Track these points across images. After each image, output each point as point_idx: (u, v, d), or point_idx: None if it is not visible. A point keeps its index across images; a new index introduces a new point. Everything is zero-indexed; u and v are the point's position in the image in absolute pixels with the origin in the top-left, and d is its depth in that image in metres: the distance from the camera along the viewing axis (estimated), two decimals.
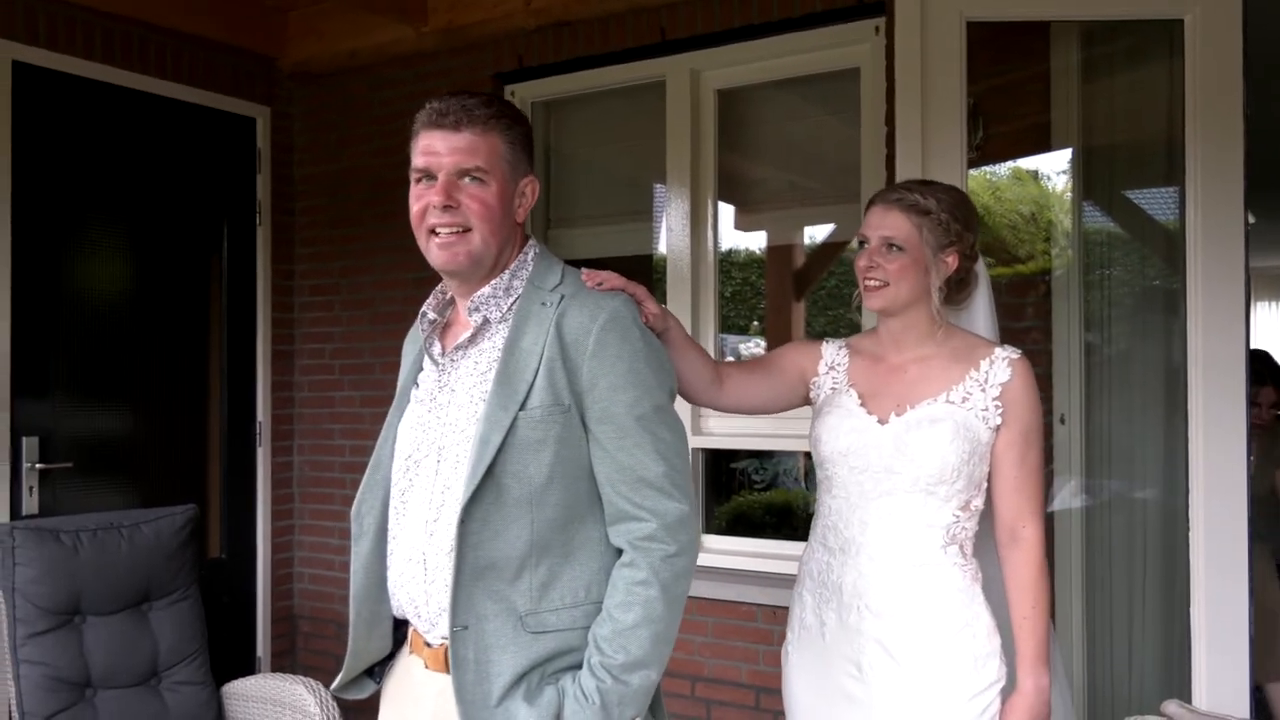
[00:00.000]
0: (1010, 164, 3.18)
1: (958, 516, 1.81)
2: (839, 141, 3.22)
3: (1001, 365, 1.81)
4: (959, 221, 1.85)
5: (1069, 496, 3.12)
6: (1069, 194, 3.16)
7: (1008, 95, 3.11)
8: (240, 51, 3.72)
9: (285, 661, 3.86)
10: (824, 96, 3.27)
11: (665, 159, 3.32)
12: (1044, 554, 1.82)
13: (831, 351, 1.99)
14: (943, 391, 1.82)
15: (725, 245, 3.27)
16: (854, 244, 1.94)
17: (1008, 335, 3.10)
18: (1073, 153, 3.13)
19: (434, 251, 1.52)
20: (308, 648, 3.89)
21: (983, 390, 1.80)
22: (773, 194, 3.52)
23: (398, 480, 1.59)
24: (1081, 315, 3.08)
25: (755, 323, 3.67)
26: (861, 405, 1.88)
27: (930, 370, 1.86)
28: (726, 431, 3.26)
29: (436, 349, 1.59)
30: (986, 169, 3.16)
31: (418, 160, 1.51)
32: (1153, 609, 2.95)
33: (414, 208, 1.53)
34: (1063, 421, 3.08)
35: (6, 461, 3.10)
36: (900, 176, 2.85)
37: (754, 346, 3.67)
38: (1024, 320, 3.11)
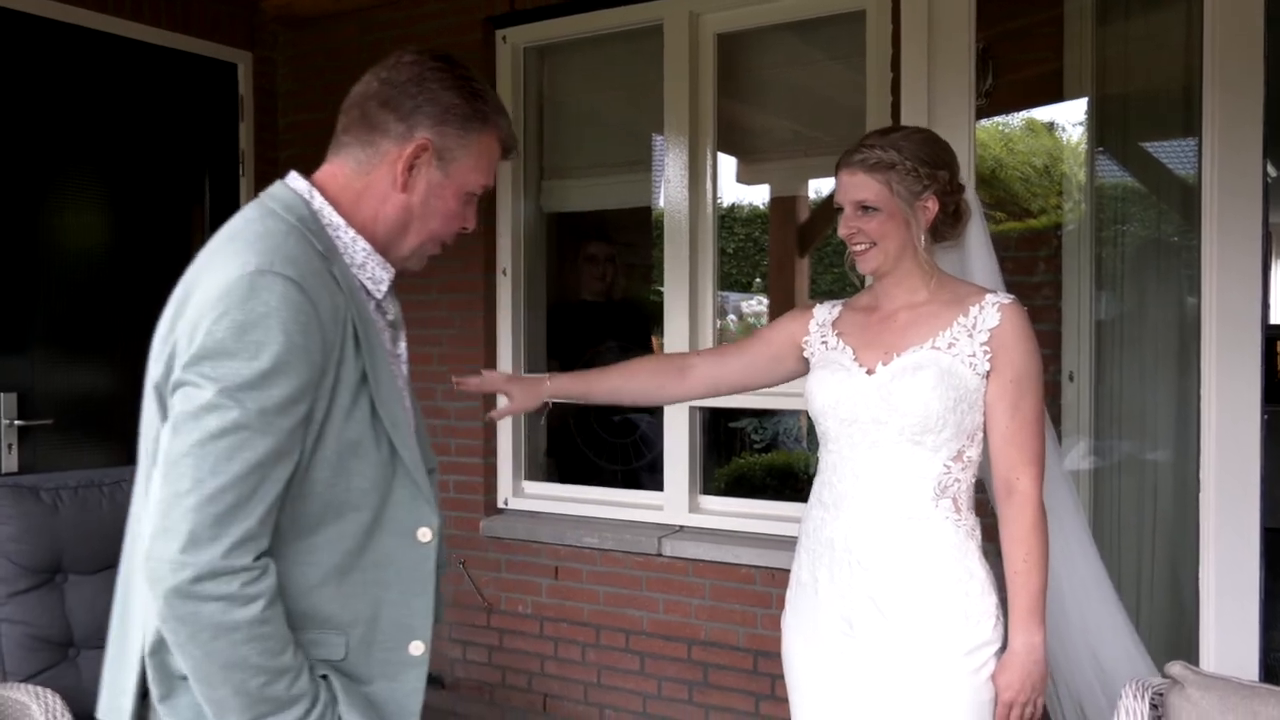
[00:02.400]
0: (1024, 114, 3.15)
1: (948, 468, 1.82)
2: (844, 88, 3.18)
3: (991, 310, 1.82)
4: (928, 164, 1.84)
5: (1077, 457, 3.12)
6: (1083, 146, 3.13)
7: (1019, 40, 3.06)
8: None
9: None
10: (828, 41, 3.22)
11: (662, 108, 3.27)
12: (1041, 507, 1.82)
13: (824, 311, 2.03)
14: (929, 338, 1.84)
15: (727, 199, 3.26)
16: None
17: (1018, 290, 3.09)
18: (1087, 102, 3.09)
19: (422, 262, 1.56)
20: None
21: (970, 336, 1.81)
22: (776, 144, 3.49)
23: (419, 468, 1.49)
24: (1093, 271, 3.06)
25: (758, 279, 3.67)
26: (854, 359, 1.90)
27: (919, 317, 1.88)
28: None
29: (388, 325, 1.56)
30: (1000, 120, 3.14)
31: (489, 181, 1.52)
32: (1161, 571, 2.96)
33: (454, 225, 1.53)
34: (1071, 379, 3.07)
35: None
36: (906, 123, 2.82)
37: (756, 304, 3.67)
38: (1035, 275, 3.09)
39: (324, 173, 1.50)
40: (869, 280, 2.00)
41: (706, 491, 3.34)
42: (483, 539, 3.54)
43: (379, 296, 1.49)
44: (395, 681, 1.43)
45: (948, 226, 1.91)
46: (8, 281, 3.15)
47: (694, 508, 3.29)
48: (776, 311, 4.01)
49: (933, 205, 1.85)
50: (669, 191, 3.28)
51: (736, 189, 3.42)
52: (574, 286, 3.99)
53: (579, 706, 3.40)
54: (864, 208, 1.84)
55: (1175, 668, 1.98)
